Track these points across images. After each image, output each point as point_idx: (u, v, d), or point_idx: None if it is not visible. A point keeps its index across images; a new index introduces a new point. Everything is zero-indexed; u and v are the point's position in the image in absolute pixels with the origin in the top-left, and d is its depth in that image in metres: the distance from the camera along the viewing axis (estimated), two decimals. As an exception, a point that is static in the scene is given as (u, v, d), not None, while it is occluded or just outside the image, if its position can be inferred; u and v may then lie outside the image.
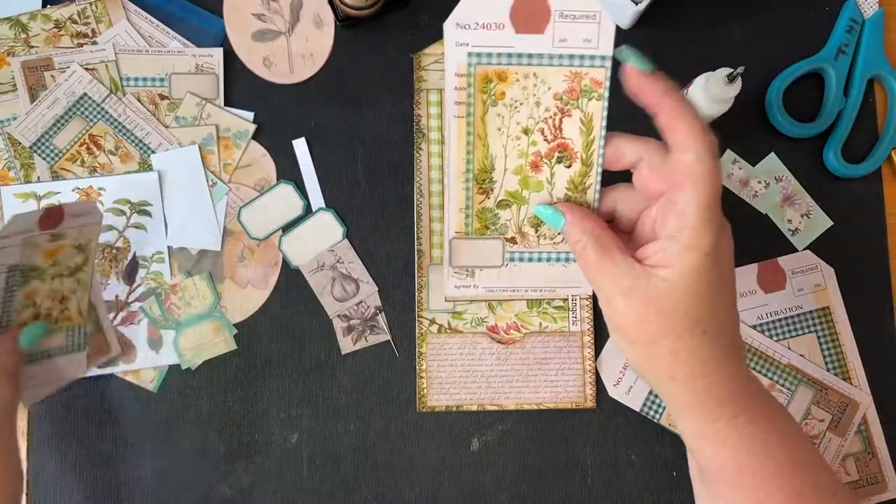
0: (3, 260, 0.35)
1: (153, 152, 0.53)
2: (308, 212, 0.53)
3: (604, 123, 0.39)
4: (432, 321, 0.52)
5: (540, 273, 0.42)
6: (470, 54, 0.37)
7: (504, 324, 0.53)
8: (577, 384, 0.52)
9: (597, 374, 0.52)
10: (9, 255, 0.35)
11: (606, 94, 0.38)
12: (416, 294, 0.52)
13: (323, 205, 0.53)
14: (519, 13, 0.37)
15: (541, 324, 0.53)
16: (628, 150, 0.39)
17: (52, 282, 0.38)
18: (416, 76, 0.54)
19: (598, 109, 0.38)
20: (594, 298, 0.53)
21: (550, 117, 0.39)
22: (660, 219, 0.39)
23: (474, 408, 0.52)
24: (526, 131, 0.39)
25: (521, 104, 0.39)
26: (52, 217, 0.36)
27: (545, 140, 0.39)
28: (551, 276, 0.43)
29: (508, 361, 0.52)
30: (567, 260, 0.42)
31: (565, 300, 0.53)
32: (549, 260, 0.42)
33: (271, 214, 0.53)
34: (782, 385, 0.53)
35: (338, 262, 0.53)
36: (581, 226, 0.40)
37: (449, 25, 0.37)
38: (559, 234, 0.42)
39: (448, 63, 0.38)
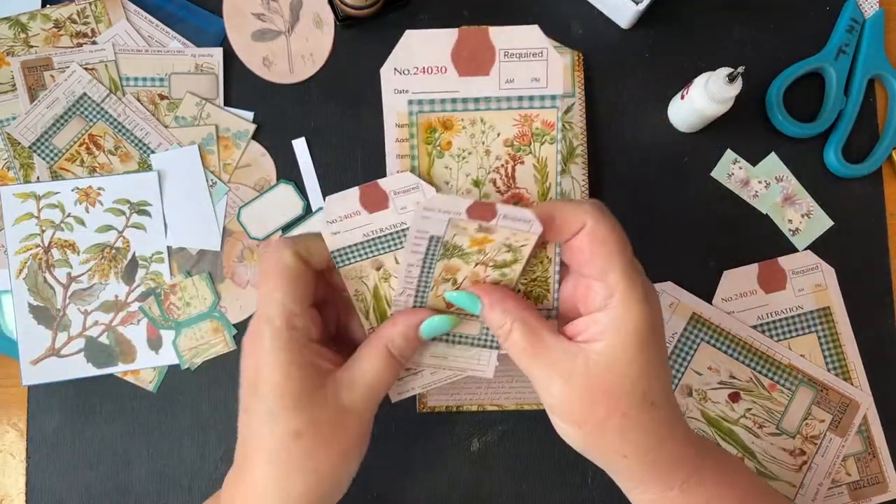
0: (427, 227, 0.34)
1: (153, 152, 0.53)
2: (308, 212, 0.53)
3: (559, 168, 0.36)
4: None
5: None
6: (411, 102, 0.34)
7: None
8: None
9: None
10: (433, 225, 0.34)
11: (559, 136, 0.35)
12: None
13: (323, 205, 0.53)
14: (461, 54, 0.34)
15: None
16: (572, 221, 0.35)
17: (474, 267, 0.36)
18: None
19: (551, 153, 0.36)
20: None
21: (502, 166, 0.36)
22: (582, 292, 0.36)
23: (474, 408, 0.52)
24: (476, 183, 0.36)
25: (469, 154, 0.35)
26: (482, 210, 0.34)
27: (498, 191, 0.36)
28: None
29: (509, 361, 0.52)
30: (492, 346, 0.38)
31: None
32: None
33: (271, 214, 0.53)
34: (783, 385, 0.53)
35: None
36: (502, 307, 0.36)
37: (386, 71, 0.34)
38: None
39: (387, 113, 0.34)
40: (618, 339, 0.34)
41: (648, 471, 0.37)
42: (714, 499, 0.38)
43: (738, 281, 0.53)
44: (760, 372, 0.53)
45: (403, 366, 0.38)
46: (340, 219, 0.35)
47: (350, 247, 0.36)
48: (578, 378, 0.35)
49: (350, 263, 0.36)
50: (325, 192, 0.53)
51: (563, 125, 0.53)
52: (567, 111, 0.54)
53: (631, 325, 0.34)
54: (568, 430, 0.37)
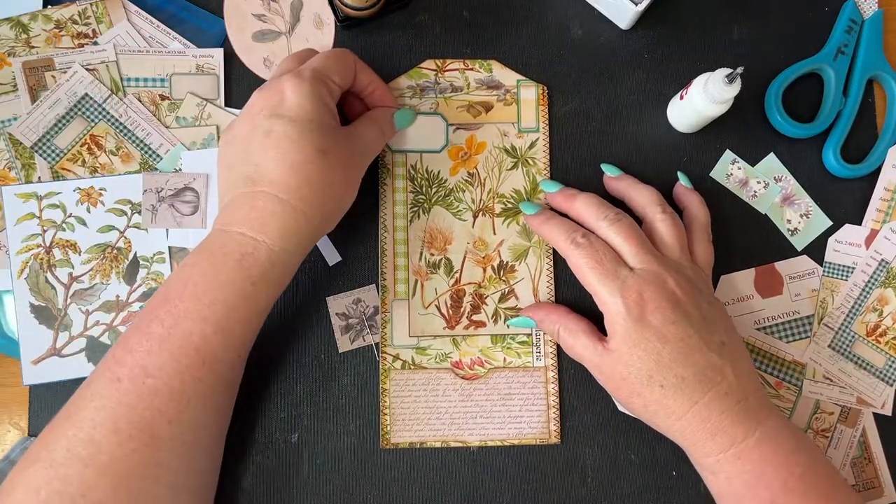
0: None
1: (154, 153, 0.53)
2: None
3: None
4: (396, 357, 0.52)
5: None
6: None
7: (468, 359, 0.52)
8: (541, 420, 0.52)
9: (561, 408, 0.52)
10: None
11: None
12: (381, 330, 0.52)
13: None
14: None
15: (505, 359, 0.52)
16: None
17: None
18: None
19: None
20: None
21: None
22: None
23: (438, 444, 0.51)
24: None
25: None
26: None
27: None
28: None
29: (472, 397, 0.52)
30: None
31: (529, 335, 0.53)
32: None
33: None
34: (789, 382, 0.53)
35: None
36: (549, 319, 0.49)
37: None
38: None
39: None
40: (615, 339, 0.44)
41: (679, 438, 0.44)
42: (749, 473, 0.42)
43: (735, 285, 0.54)
44: (765, 371, 0.53)
45: (386, 141, 0.51)
46: None
47: None
48: (604, 370, 0.45)
49: None
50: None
51: (526, 160, 0.54)
52: (531, 146, 0.54)
53: (617, 325, 0.44)
54: (618, 405, 0.49)
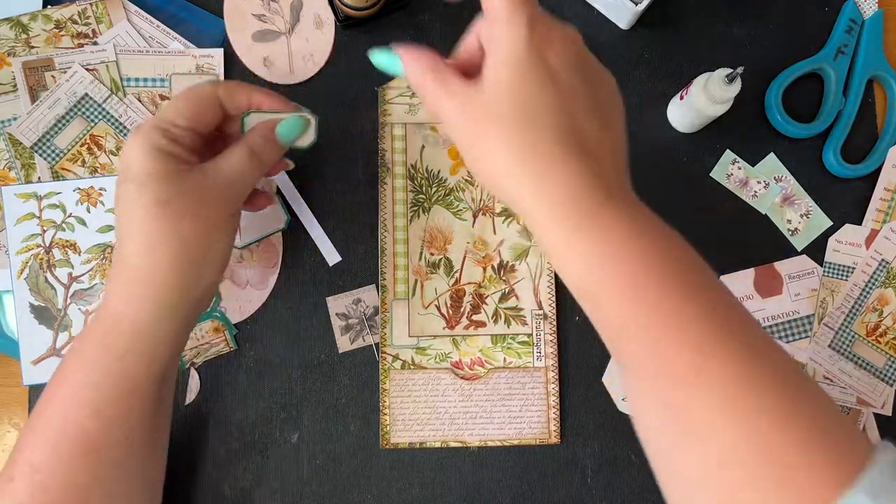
0: None
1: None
2: (289, 227, 0.53)
3: None
4: (396, 357, 0.52)
5: None
6: None
7: (468, 359, 0.52)
8: (541, 420, 0.52)
9: (561, 408, 0.52)
10: None
11: None
12: (381, 330, 0.52)
13: (310, 212, 0.53)
14: None
15: (505, 359, 0.52)
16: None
17: None
18: (380, 110, 0.54)
19: None
20: (558, 336, 0.53)
21: None
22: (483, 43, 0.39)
23: (438, 444, 0.51)
24: None
25: None
26: None
27: None
28: None
29: (472, 397, 0.52)
30: None
31: (529, 335, 0.52)
32: None
33: (254, 225, 0.52)
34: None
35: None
36: (419, 64, 0.39)
37: None
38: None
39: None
40: (503, 68, 0.36)
41: (533, 203, 0.36)
42: (606, 244, 0.36)
43: (735, 286, 0.54)
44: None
45: (265, 165, 0.44)
46: None
47: None
48: (471, 109, 0.37)
49: None
50: (326, 191, 0.54)
51: None
52: None
53: (512, 52, 0.36)
54: (471, 164, 0.38)
